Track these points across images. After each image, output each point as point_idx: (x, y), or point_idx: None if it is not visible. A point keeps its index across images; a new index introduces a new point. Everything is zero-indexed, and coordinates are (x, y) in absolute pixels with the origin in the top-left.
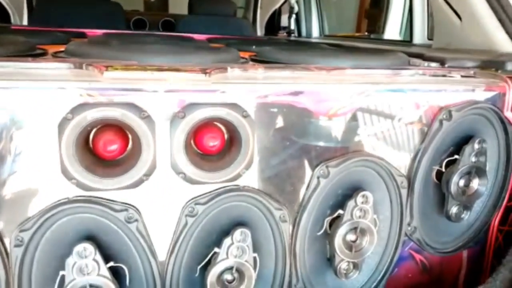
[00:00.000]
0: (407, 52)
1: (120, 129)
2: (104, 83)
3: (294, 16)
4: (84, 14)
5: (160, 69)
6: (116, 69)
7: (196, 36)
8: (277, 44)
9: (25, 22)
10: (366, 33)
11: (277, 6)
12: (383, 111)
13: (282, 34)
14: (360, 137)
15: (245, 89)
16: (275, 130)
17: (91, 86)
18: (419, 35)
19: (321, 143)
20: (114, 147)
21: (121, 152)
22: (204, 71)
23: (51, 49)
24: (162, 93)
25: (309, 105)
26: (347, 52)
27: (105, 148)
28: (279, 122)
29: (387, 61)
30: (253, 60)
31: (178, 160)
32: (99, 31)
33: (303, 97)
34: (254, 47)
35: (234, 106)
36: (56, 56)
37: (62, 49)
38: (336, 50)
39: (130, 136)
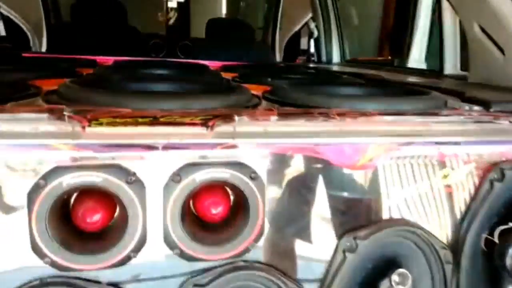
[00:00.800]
0: (441, 88)
1: (104, 194)
2: (85, 142)
3: (313, 40)
4: (101, 39)
5: (154, 123)
6: (101, 124)
7: (211, 63)
8: (295, 74)
9: (44, 45)
10: (389, 58)
11: (296, 28)
12: (420, 168)
13: (302, 58)
14: (394, 200)
15: (254, 145)
16: (290, 194)
17: (70, 146)
18: (451, 65)
19: (346, 209)
20: (95, 217)
21: (105, 223)
22: (205, 123)
23: (47, 85)
24: (154, 153)
25: (331, 163)
26: (374, 92)
27: (84, 218)
28: (295, 184)
29: (421, 104)
30: (266, 99)
31: (172, 233)
32: (111, 58)
33: (324, 153)
34: (269, 79)
35: (240, 166)
36: (45, 99)
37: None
38: (361, 87)
39: (117, 203)
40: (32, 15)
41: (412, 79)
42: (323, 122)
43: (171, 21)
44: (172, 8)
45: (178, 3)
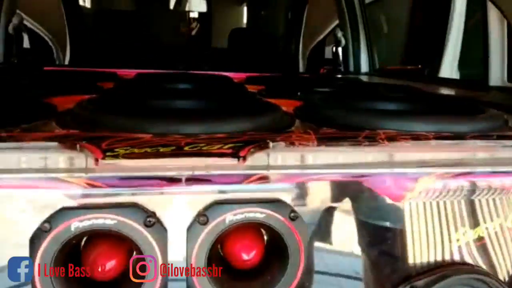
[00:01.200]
0: (494, 103)
1: (119, 238)
2: (98, 176)
3: (340, 49)
4: (123, 51)
5: (176, 153)
6: (117, 155)
7: (234, 75)
8: (326, 87)
9: (67, 58)
10: (419, 66)
11: (320, 37)
12: (488, 204)
13: (328, 68)
14: (458, 242)
15: (291, 177)
16: (336, 236)
17: (80, 182)
18: (497, 76)
19: (401, 252)
20: (108, 266)
21: (119, 271)
22: (236, 154)
23: (65, 103)
24: (177, 189)
25: (382, 197)
26: (423, 109)
27: (95, 267)
28: (342, 223)
29: (480, 124)
30: (299, 117)
31: (197, 284)
32: (132, 71)
33: (374, 185)
34: (299, 93)
35: (277, 204)
36: (58, 121)
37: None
38: (406, 103)
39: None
40: (56, 28)
41: (455, 91)
42: (371, 147)
43: (193, 32)
44: (194, 19)
45: (200, 13)
